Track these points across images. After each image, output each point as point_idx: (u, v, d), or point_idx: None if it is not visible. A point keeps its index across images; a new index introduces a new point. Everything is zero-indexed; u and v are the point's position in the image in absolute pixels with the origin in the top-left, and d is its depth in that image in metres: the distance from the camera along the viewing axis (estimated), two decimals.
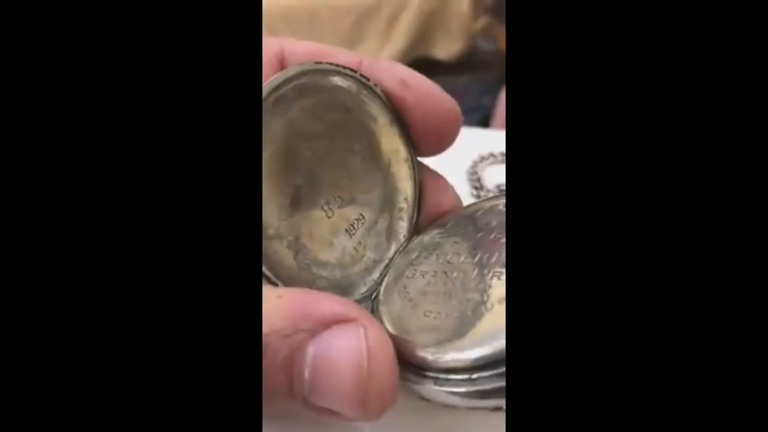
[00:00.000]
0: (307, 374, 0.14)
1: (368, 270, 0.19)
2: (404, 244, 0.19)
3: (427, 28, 1.08)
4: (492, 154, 0.30)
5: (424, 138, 0.19)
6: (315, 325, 0.15)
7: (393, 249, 0.19)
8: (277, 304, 0.15)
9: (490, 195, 0.26)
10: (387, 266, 0.19)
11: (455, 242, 0.19)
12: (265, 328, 0.14)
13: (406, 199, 0.20)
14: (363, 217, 0.18)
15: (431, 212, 0.21)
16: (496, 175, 0.29)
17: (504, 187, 0.27)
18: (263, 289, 0.14)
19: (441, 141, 0.20)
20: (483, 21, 1.08)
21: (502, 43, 1.11)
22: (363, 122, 0.18)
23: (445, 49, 1.07)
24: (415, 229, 0.20)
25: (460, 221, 0.20)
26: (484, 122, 0.97)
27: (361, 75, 0.17)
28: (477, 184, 0.28)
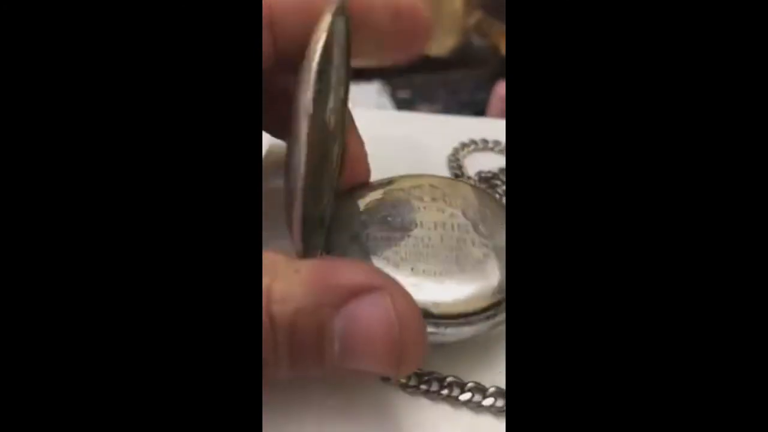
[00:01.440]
0: (337, 346, 0.14)
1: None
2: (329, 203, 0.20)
3: None
4: (474, 141, 0.30)
5: (396, 40, 0.19)
6: (339, 298, 0.14)
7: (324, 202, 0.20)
8: (296, 280, 0.14)
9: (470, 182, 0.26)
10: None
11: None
12: (287, 306, 0.14)
13: (337, 157, 0.20)
14: None
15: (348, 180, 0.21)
16: (477, 163, 0.29)
17: (484, 175, 0.28)
18: (280, 264, 0.14)
19: (412, 43, 0.20)
20: (476, 16, 1.08)
21: (495, 39, 1.11)
22: None
23: (439, 44, 1.07)
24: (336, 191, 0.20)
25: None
26: (478, 117, 0.97)
27: None
28: (458, 171, 0.28)
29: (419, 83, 1.09)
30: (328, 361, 0.14)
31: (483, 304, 0.18)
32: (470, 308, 0.18)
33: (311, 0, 0.18)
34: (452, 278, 0.17)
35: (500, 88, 1.08)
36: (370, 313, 0.14)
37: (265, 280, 0.14)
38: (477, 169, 0.29)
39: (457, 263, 0.18)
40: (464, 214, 0.19)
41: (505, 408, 0.18)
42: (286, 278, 0.14)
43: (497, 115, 1.03)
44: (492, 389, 0.18)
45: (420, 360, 0.15)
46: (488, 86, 1.07)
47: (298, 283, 0.14)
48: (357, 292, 0.14)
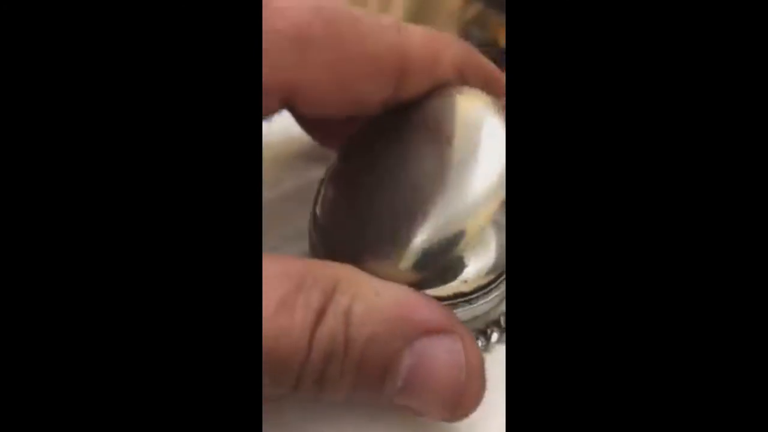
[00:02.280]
0: (400, 381, 0.14)
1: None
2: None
3: (418, 16, 1.07)
4: None
5: None
6: (413, 333, 0.15)
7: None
8: (377, 305, 0.15)
9: None
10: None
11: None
12: (364, 330, 0.14)
13: None
14: None
15: None
16: None
17: None
18: (362, 285, 0.14)
19: None
20: (475, 9, 1.07)
21: (494, 31, 1.11)
22: None
23: None
24: None
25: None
26: None
27: None
28: None
29: None
30: (388, 392, 0.15)
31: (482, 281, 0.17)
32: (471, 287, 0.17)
33: (438, 57, 0.19)
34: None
35: None
36: (441, 355, 0.15)
37: (344, 300, 0.14)
38: None
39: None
40: None
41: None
42: (366, 301, 0.15)
43: None
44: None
45: (478, 403, 0.16)
46: None
47: (378, 310, 0.15)
48: (431, 331, 0.15)
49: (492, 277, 0.18)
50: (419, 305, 0.16)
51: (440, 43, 0.19)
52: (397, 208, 0.16)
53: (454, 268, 0.17)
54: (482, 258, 0.18)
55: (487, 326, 0.19)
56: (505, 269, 0.18)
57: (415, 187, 0.17)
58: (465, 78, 0.19)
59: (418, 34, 0.18)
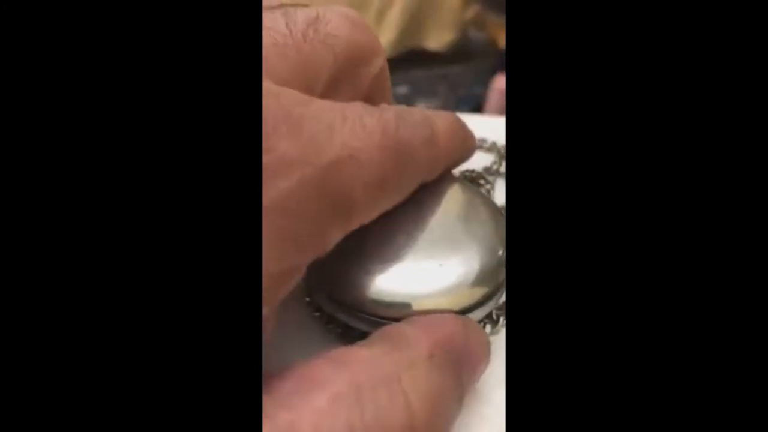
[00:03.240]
0: None
1: None
2: None
3: (417, 18, 1.07)
4: None
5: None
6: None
7: None
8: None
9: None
10: None
11: None
12: None
13: None
14: None
15: None
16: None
17: (467, 174, 0.26)
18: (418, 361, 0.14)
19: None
20: (473, 10, 1.08)
21: (493, 33, 1.11)
22: None
23: (437, 39, 1.07)
24: None
25: None
26: (477, 111, 0.97)
27: None
28: None
29: (418, 79, 1.09)
30: None
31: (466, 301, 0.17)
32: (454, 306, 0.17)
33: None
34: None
35: (498, 82, 1.08)
36: None
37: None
38: (463, 167, 0.28)
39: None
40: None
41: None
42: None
43: (495, 109, 1.04)
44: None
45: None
46: (486, 80, 1.07)
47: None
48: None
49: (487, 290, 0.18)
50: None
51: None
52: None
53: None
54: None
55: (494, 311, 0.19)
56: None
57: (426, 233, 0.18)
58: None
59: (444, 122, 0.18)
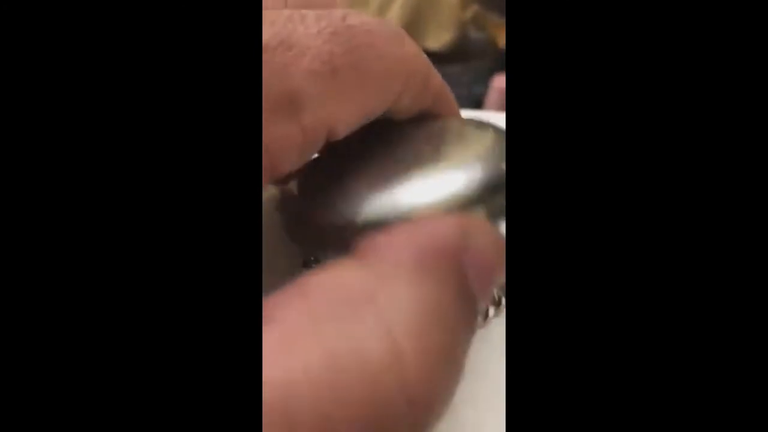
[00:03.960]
0: None
1: None
2: None
3: (417, 18, 1.07)
4: None
5: None
6: None
7: None
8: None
9: None
10: None
11: None
12: None
13: None
14: None
15: None
16: None
17: None
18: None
19: None
20: (472, 10, 1.08)
21: (492, 32, 1.11)
22: None
23: (436, 39, 1.07)
24: None
25: None
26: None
27: None
28: None
29: None
30: None
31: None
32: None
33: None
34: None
35: (498, 82, 1.08)
36: None
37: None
38: None
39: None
40: None
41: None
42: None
43: (495, 109, 1.03)
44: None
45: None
46: (486, 79, 1.07)
47: None
48: None
49: None
50: None
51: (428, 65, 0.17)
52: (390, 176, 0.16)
53: None
54: None
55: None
56: None
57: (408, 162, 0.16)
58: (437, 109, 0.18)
59: (414, 49, 0.16)
